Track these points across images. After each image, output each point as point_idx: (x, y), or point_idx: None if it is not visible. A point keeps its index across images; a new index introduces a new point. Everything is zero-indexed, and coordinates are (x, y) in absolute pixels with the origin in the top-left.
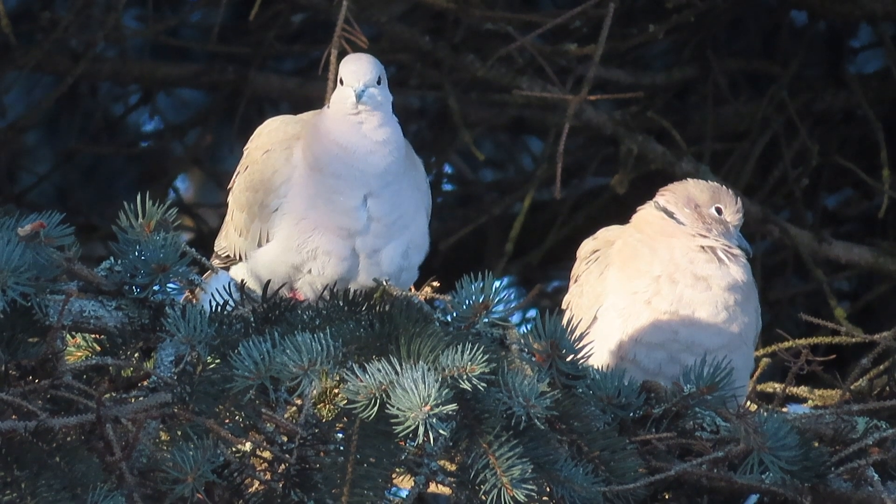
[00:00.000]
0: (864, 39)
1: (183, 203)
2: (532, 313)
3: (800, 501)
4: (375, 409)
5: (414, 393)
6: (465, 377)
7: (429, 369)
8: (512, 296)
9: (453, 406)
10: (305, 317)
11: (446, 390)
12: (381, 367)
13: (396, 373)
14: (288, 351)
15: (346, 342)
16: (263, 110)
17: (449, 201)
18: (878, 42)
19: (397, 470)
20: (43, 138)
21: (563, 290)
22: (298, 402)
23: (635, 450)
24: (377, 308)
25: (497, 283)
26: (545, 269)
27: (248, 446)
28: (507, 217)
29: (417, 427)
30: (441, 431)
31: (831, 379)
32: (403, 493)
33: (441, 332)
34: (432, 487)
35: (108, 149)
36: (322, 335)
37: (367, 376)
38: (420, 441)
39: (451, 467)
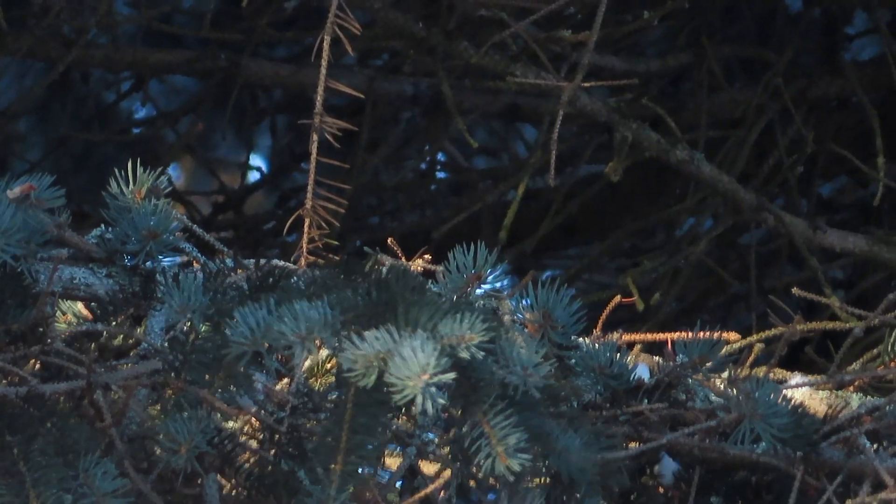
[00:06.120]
0: (859, 26)
1: (175, 191)
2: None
3: (792, 472)
4: (374, 377)
5: (413, 361)
6: (463, 346)
7: (427, 338)
8: (504, 271)
9: (452, 375)
10: (301, 284)
11: (445, 359)
12: (379, 336)
13: (395, 341)
14: (285, 319)
15: (344, 310)
16: (256, 97)
17: (442, 189)
18: (873, 29)
19: (389, 444)
20: (34, 125)
21: (557, 279)
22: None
23: (624, 434)
24: (373, 276)
25: (488, 254)
26: (539, 257)
27: (240, 421)
28: (501, 205)
29: (415, 396)
30: (440, 400)
31: (825, 363)
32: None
33: (438, 300)
34: (423, 468)
35: (99, 136)
36: (319, 303)
37: (366, 345)
38: (418, 410)
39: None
